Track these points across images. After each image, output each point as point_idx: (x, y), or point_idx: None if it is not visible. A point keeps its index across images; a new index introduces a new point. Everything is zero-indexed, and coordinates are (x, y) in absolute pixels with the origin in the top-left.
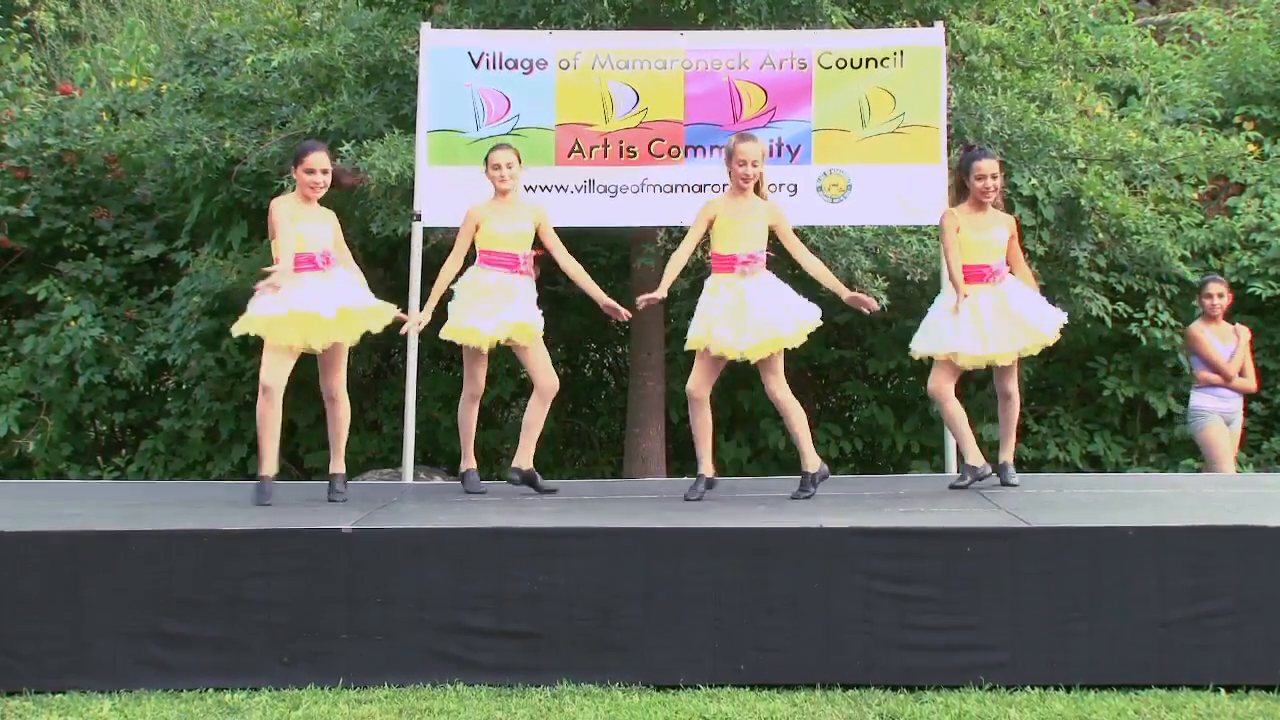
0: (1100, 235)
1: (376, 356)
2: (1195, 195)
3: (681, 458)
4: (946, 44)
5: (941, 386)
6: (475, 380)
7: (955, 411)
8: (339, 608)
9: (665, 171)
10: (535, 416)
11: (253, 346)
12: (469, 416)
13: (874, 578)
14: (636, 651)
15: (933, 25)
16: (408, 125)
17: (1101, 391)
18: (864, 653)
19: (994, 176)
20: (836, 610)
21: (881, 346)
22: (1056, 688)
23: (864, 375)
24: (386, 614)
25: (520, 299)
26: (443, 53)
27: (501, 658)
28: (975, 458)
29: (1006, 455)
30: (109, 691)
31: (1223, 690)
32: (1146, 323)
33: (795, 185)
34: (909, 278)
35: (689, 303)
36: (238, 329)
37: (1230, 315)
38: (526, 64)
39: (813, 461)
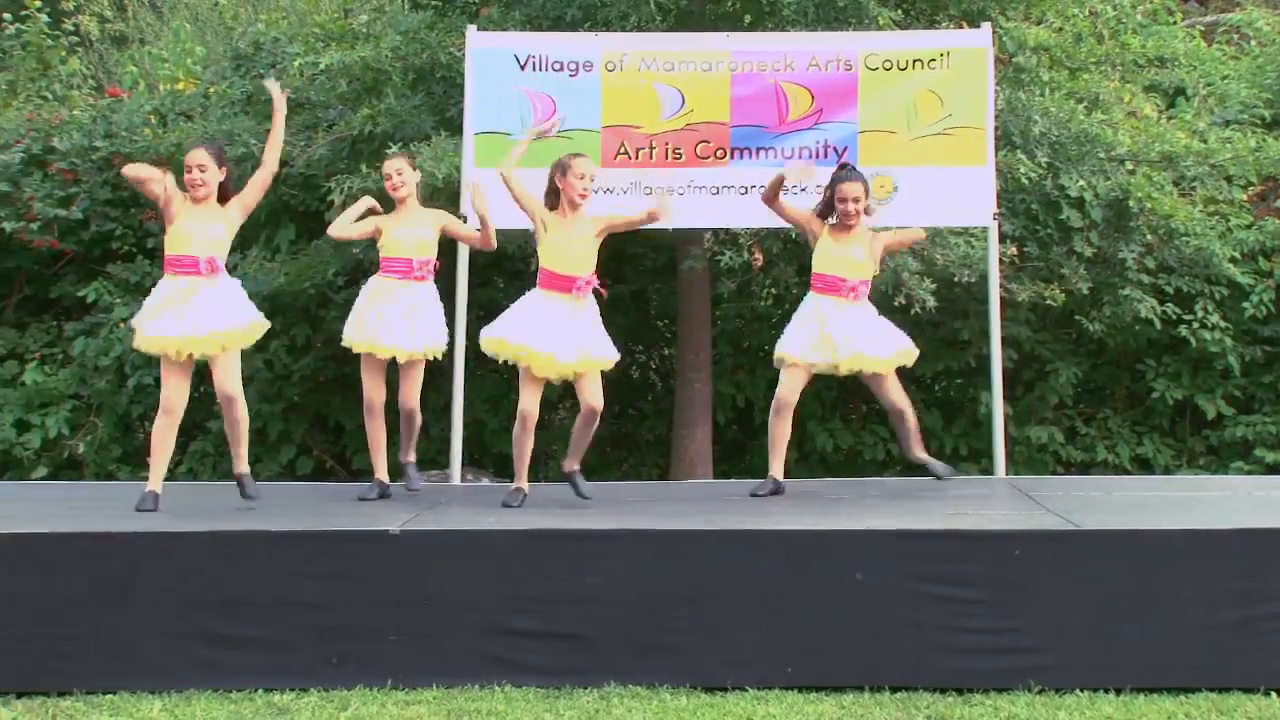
0: (1149, 237)
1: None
2: (1245, 197)
3: (729, 460)
4: (993, 45)
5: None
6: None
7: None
8: (387, 609)
9: (711, 173)
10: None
11: (300, 349)
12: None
13: (922, 580)
14: (684, 653)
15: (979, 26)
16: (454, 128)
17: (1150, 394)
18: (912, 655)
19: (855, 200)
20: (885, 612)
21: (928, 349)
22: (1106, 691)
23: (911, 377)
24: (434, 615)
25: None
26: (489, 55)
27: (549, 659)
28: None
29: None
30: (159, 692)
31: (1274, 694)
32: (1196, 324)
33: None
34: (956, 279)
35: (735, 305)
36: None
37: None
38: (573, 66)
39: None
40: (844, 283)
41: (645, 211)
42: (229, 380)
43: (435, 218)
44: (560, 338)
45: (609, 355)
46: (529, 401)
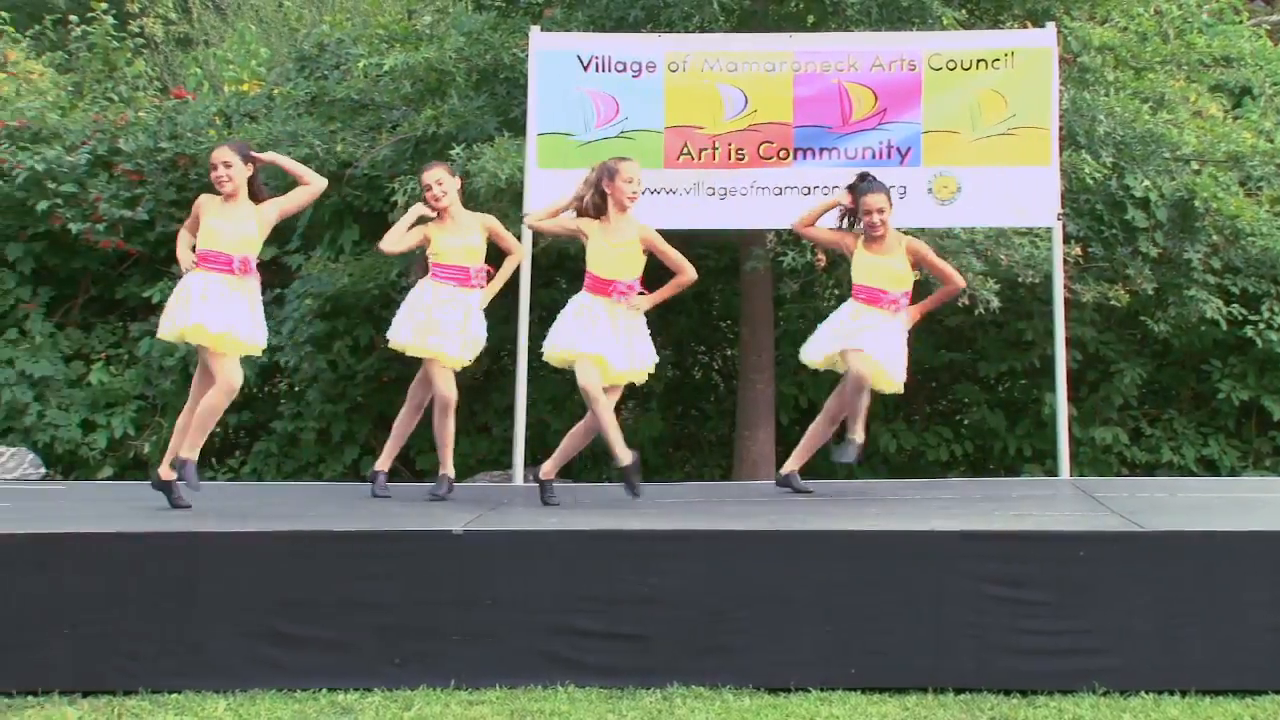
0: (1214, 237)
1: (486, 359)
2: None
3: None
4: (1058, 45)
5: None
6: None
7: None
8: (450, 609)
9: (774, 174)
10: None
11: (364, 349)
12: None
13: (985, 581)
14: (747, 654)
15: (1044, 26)
16: (517, 128)
17: (1216, 395)
18: (976, 656)
19: (880, 211)
20: (948, 614)
21: (992, 349)
22: (1171, 693)
23: (974, 378)
24: (497, 615)
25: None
26: (552, 56)
27: (612, 660)
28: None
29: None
30: (224, 691)
31: None
32: (1262, 325)
33: (905, 187)
34: (1020, 280)
35: (798, 306)
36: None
37: None
38: (636, 67)
39: None
40: (885, 295)
41: (682, 264)
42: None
43: (481, 221)
44: (609, 342)
45: (650, 364)
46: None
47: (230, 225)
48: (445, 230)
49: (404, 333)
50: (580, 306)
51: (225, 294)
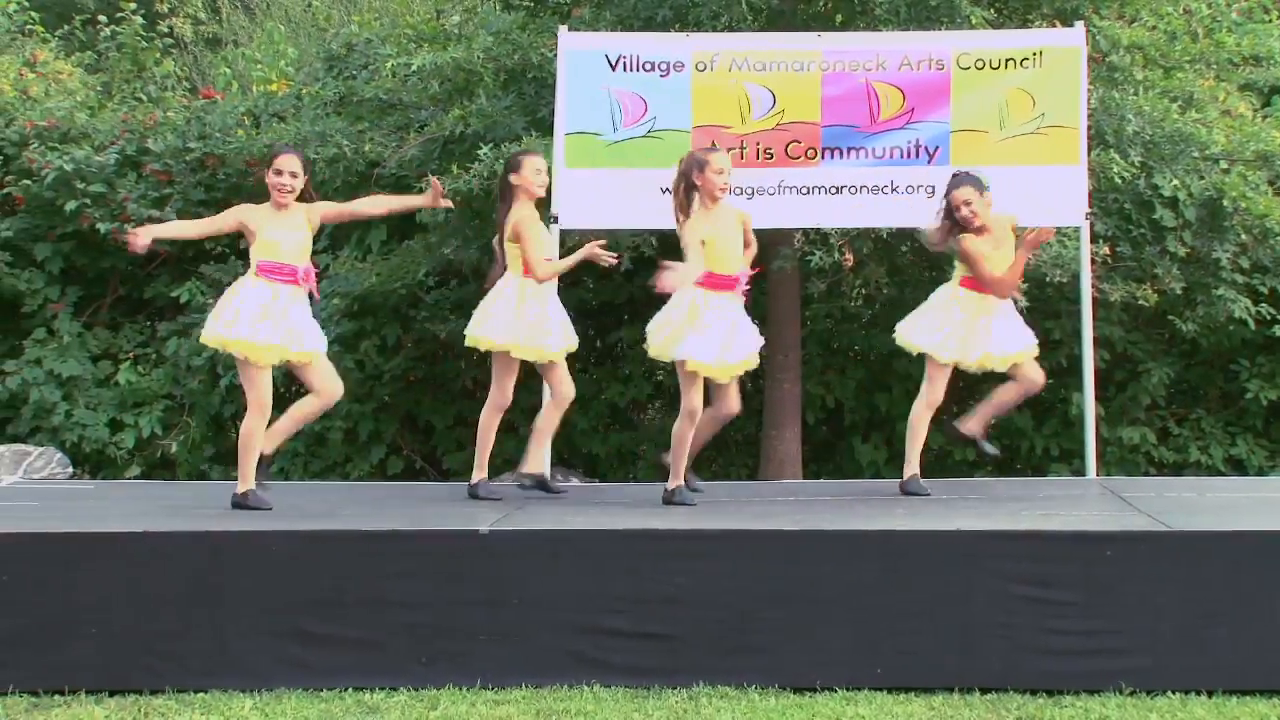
0: (1243, 236)
1: None
2: None
3: (818, 460)
4: (1087, 44)
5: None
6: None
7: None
8: (476, 608)
9: (802, 173)
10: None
11: (391, 349)
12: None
13: (1012, 581)
14: (773, 654)
15: (1073, 25)
16: (545, 128)
17: (1244, 394)
18: (1002, 656)
19: (967, 203)
20: (975, 614)
21: None
22: (1198, 693)
23: (1002, 377)
24: (523, 615)
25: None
26: (580, 55)
27: (638, 659)
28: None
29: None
30: (250, 690)
31: None
32: None
33: (933, 187)
34: (1048, 279)
35: (825, 305)
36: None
37: None
38: (663, 66)
39: None
40: None
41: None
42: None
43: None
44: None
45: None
46: (698, 399)
47: (288, 234)
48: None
49: (504, 333)
50: (696, 307)
51: (286, 306)
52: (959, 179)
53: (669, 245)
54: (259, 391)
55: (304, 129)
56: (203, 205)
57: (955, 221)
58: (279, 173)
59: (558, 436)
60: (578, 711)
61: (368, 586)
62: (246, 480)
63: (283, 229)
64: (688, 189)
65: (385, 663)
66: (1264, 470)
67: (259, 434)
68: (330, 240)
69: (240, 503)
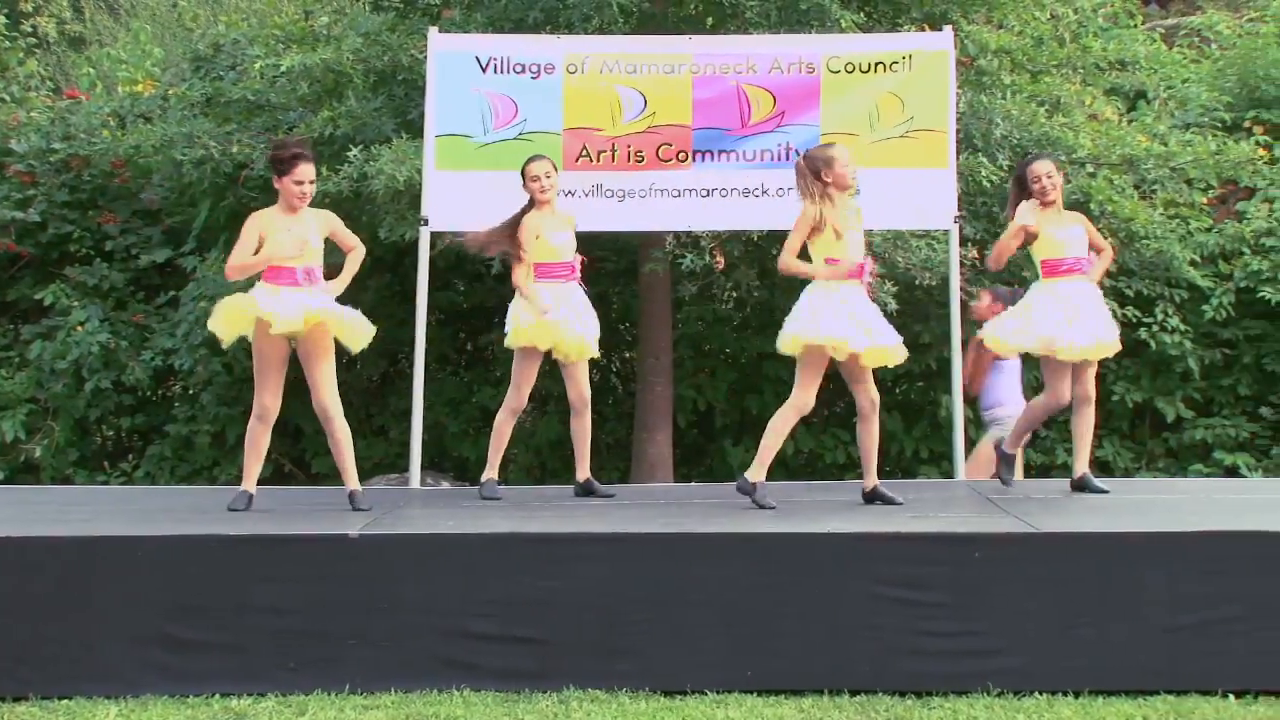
0: (1109, 239)
1: (384, 362)
2: (1205, 200)
3: (689, 463)
4: (955, 48)
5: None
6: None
7: None
8: (345, 613)
9: (673, 176)
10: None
11: None
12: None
13: (882, 583)
14: (644, 657)
15: (941, 29)
16: (415, 130)
17: (1110, 396)
18: (872, 659)
19: (1049, 175)
20: (844, 616)
21: None
22: (1065, 694)
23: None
24: (393, 620)
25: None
26: (450, 57)
27: (508, 663)
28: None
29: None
30: (115, 697)
31: (1231, 696)
32: (1156, 327)
33: None
34: (917, 282)
35: (697, 308)
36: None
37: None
38: (534, 68)
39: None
40: (1081, 260)
41: None
42: (325, 394)
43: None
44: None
45: (896, 340)
46: (811, 394)
47: (292, 237)
48: (548, 225)
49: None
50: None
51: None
52: (1037, 155)
53: None
54: (264, 395)
55: (170, 130)
56: (67, 207)
57: (1024, 193)
58: (300, 182)
59: (427, 438)
60: (447, 716)
61: (234, 591)
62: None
63: (287, 232)
64: (819, 187)
65: (252, 668)
66: (1130, 472)
67: (265, 437)
68: (197, 243)
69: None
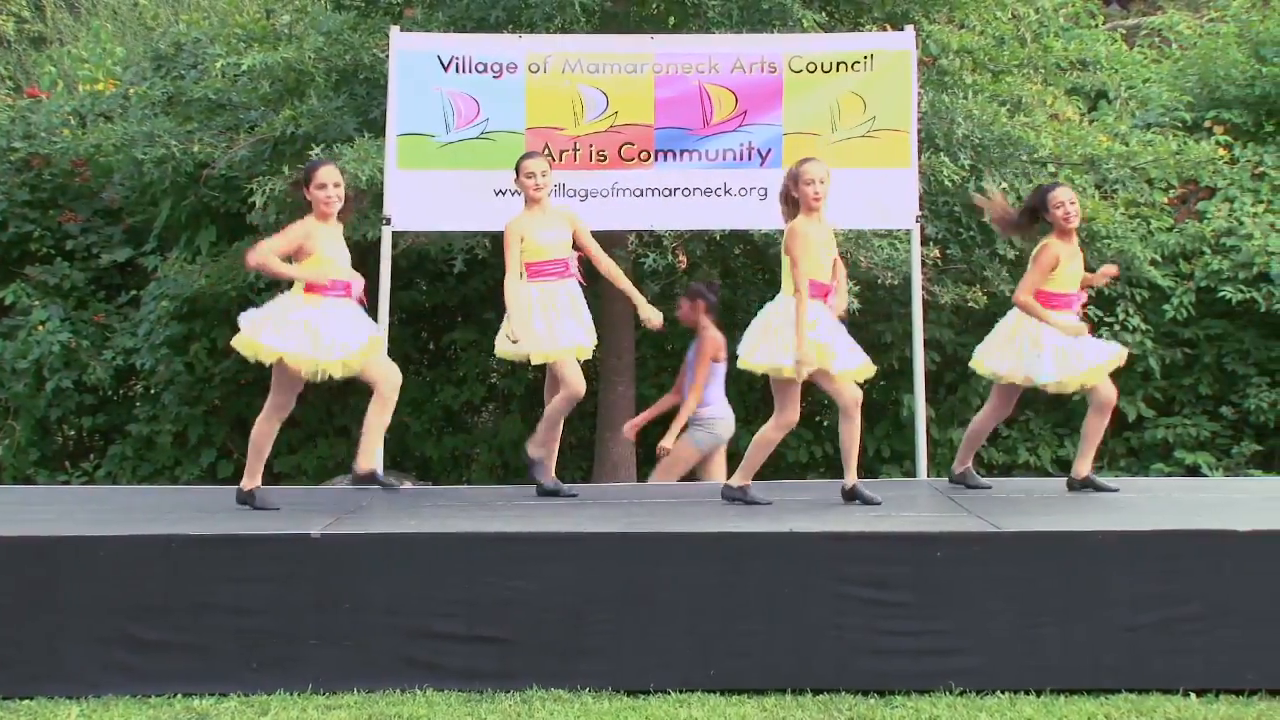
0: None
1: None
2: (1165, 199)
3: (651, 463)
4: (917, 48)
5: None
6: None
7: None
8: (308, 613)
9: (635, 175)
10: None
11: (221, 351)
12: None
13: (845, 582)
14: (607, 657)
15: (903, 29)
16: (377, 129)
17: (1072, 396)
18: (835, 658)
19: (1073, 202)
20: (808, 615)
21: None
22: (1027, 692)
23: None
24: (356, 619)
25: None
26: (412, 56)
27: (471, 663)
28: None
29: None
30: (77, 698)
31: (1193, 695)
32: (1117, 326)
33: (765, 189)
34: (879, 281)
35: (659, 307)
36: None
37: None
38: (496, 68)
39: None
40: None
41: None
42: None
43: (569, 218)
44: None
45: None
46: (794, 412)
47: (340, 249)
48: (539, 224)
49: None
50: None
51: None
52: (1055, 183)
53: (501, 248)
54: (283, 395)
55: (131, 129)
56: (27, 206)
57: (1035, 220)
58: (323, 185)
59: (389, 438)
60: (410, 716)
61: (197, 591)
62: (253, 478)
63: (335, 243)
64: (790, 203)
65: (215, 668)
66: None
67: (272, 435)
68: (159, 242)
69: (245, 500)
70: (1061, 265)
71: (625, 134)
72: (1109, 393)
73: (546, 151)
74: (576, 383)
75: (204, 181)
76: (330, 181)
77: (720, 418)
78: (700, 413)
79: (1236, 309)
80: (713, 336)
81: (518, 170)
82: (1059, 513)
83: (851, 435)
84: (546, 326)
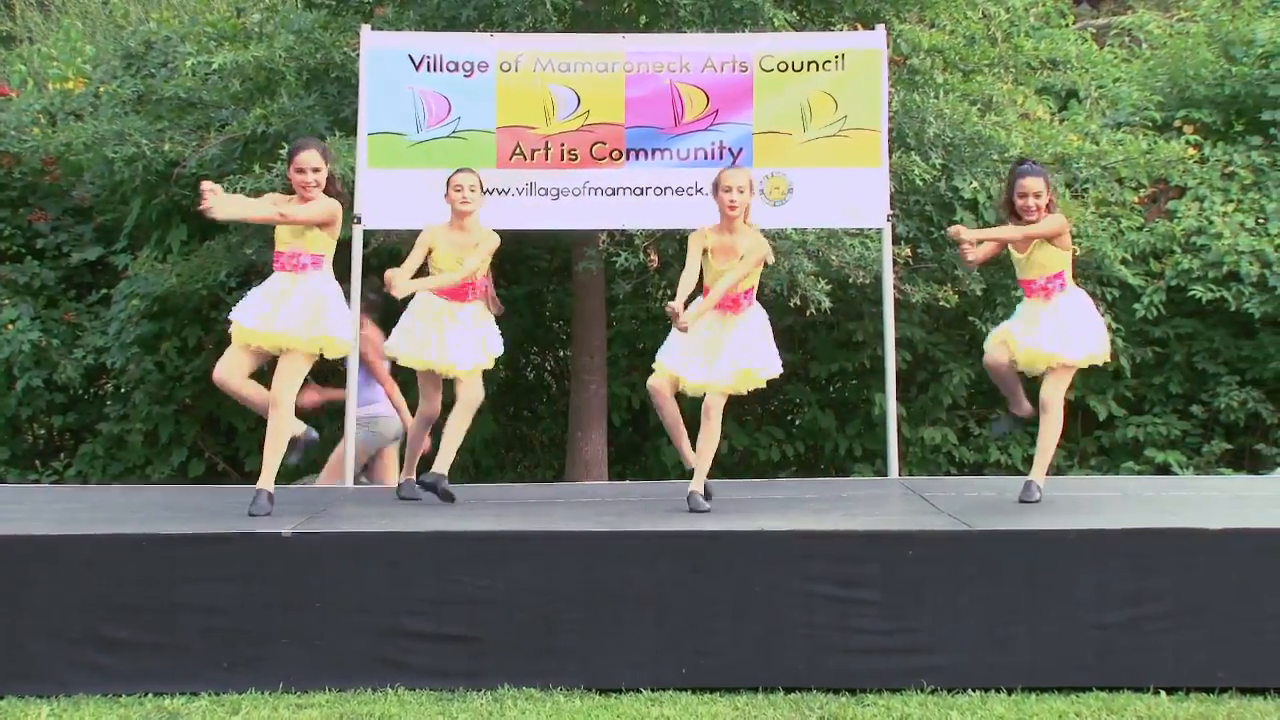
0: None
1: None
2: (1136, 199)
3: (623, 461)
4: (888, 47)
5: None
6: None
7: None
8: (279, 612)
9: (607, 174)
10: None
11: (192, 350)
12: (419, 436)
13: (815, 581)
14: (578, 655)
15: (874, 28)
16: (348, 128)
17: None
18: (805, 656)
19: (1037, 195)
20: (778, 613)
21: (823, 350)
22: (998, 690)
23: (806, 379)
24: (327, 618)
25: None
26: (383, 55)
27: (442, 662)
28: None
29: None
30: (47, 697)
31: (1163, 693)
32: None
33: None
34: (851, 280)
35: (631, 306)
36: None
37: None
38: (468, 66)
39: None
40: (1034, 284)
41: None
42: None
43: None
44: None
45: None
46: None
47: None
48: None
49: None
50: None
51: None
52: (1034, 168)
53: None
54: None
55: (102, 127)
56: None
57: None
58: (301, 170)
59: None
60: (381, 715)
61: (168, 590)
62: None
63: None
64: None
65: (186, 668)
66: (1062, 470)
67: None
68: (129, 241)
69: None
70: (1032, 248)
71: (597, 133)
72: (1046, 394)
73: (518, 150)
74: (434, 405)
75: (175, 180)
76: (309, 166)
77: (384, 415)
78: (364, 412)
79: (1207, 308)
80: (368, 335)
81: (447, 183)
82: (1029, 512)
83: (704, 438)
84: (439, 337)
